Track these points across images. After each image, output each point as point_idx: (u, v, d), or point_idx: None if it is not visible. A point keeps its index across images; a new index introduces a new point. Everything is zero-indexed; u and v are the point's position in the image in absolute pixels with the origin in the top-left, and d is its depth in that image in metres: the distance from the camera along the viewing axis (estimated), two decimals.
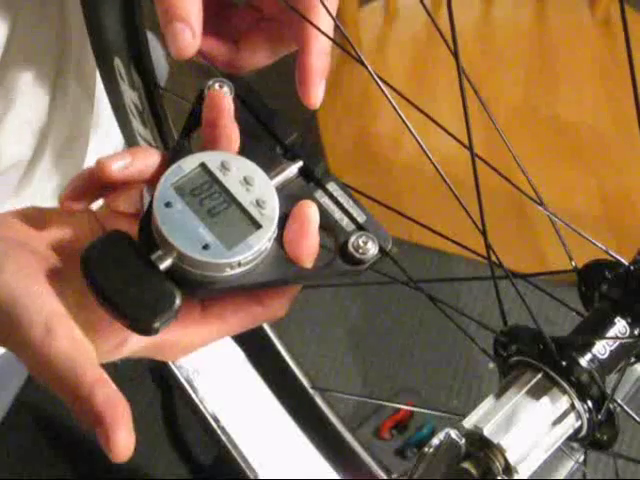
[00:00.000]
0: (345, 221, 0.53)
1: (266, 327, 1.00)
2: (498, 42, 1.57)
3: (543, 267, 1.36)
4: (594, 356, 0.52)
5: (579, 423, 0.52)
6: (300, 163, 0.53)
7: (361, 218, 0.53)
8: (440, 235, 0.58)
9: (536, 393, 0.52)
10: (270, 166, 0.53)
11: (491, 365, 1.31)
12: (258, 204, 0.50)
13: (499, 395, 0.52)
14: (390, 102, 0.54)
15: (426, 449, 0.52)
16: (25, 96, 0.78)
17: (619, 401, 0.52)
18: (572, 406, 0.52)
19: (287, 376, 1.01)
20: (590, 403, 0.51)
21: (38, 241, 0.52)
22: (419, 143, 0.54)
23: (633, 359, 0.55)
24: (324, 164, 0.54)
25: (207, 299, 0.53)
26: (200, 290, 0.50)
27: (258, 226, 0.50)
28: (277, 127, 0.54)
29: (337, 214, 0.53)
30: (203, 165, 0.51)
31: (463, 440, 0.52)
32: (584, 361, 0.51)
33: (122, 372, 0.62)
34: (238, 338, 1.00)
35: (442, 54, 0.52)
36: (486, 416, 0.52)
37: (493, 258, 0.54)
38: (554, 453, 0.53)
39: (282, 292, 0.53)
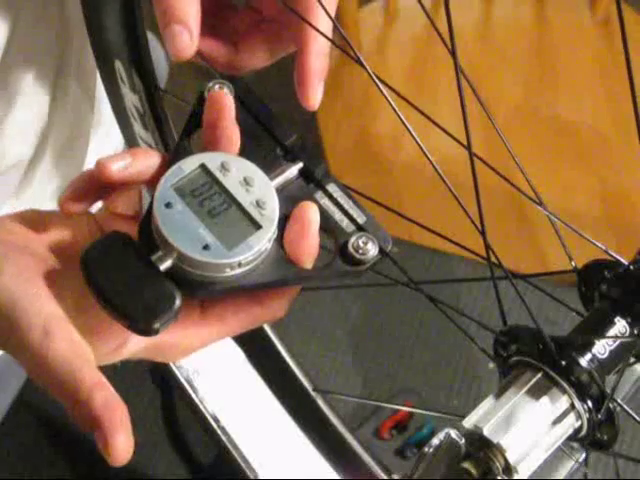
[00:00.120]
0: (345, 222, 0.53)
1: (266, 327, 1.00)
2: (498, 42, 1.57)
3: (543, 267, 1.36)
4: (594, 356, 0.52)
5: (579, 423, 0.52)
6: (300, 164, 0.54)
7: (361, 219, 0.53)
8: (440, 235, 0.58)
9: (536, 393, 0.52)
10: (270, 167, 0.53)
11: (491, 365, 1.31)
12: (258, 205, 0.50)
13: (499, 395, 0.53)
14: (389, 102, 0.54)
15: (426, 449, 0.52)
16: (26, 96, 0.78)
17: (619, 401, 0.52)
18: (572, 406, 0.52)
19: (287, 376, 1.01)
20: (590, 403, 0.51)
21: (37, 244, 0.52)
22: (418, 143, 0.54)
23: (633, 359, 0.55)
24: (324, 165, 0.54)
25: (207, 300, 0.53)
26: (200, 291, 0.50)
27: (258, 227, 0.50)
28: (277, 128, 0.55)
29: (337, 215, 0.53)
30: (203, 166, 0.51)
31: (463, 440, 0.52)
32: (584, 361, 0.51)
33: (122, 372, 0.62)
34: (238, 338, 1.00)
35: (442, 54, 0.52)
36: (486, 416, 0.52)
37: (493, 258, 0.54)
38: (554, 453, 0.53)
39: (282, 293, 0.53)
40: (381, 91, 0.54)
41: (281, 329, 1.01)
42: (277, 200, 0.51)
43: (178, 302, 0.49)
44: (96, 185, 0.52)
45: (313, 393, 1.00)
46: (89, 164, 0.90)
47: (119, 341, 0.51)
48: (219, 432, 1.02)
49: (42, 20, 0.77)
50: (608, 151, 1.48)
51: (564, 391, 0.52)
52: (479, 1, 1.57)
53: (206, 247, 0.49)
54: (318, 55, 0.57)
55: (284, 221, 0.51)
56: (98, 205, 0.54)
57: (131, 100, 0.77)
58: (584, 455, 0.60)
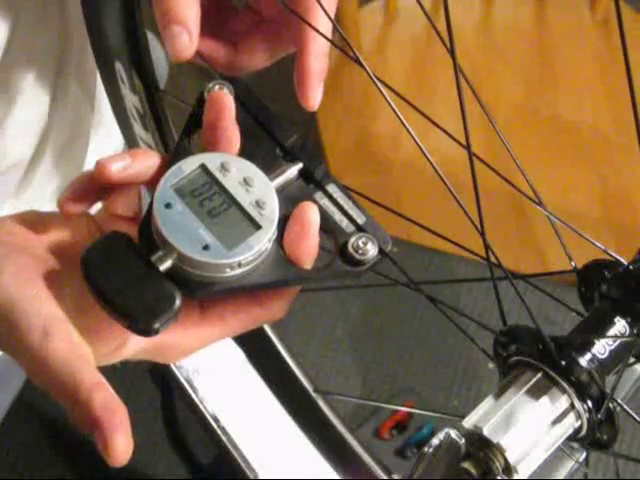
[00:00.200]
0: (345, 222, 0.53)
1: (266, 327, 1.00)
2: (498, 42, 1.57)
3: (543, 267, 1.36)
4: (594, 356, 0.52)
5: (579, 423, 0.52)
6: (300, 165, 0.54)
7: (361, 219, 0.53)
8: (439, 236, 0.58)
9: (536, 393, 0.52)
10: (270, 168, 0.53)
11: (491, 365, 1.31)
12: (258, 205, 0.50)
13: (499, 395, 0.53)
14: (388, 103, 0.54)
15: (426, 449, 0.52)
16: (26, 96, 0.78)
17: (619, 401, 0.52)
18: (572, 406, 0.52)
19: (287, 376, 1.01)
20: (590, 403, 0.51)
21: (37, 245, 0.52)
22: (417, 144, 0.54)
23: (633, 359, 0.55)
24: (324, 166, 0.54)
25: (207, 300, 0.53)
26: (200, 291, 0.50)
27: (258, 227, 0.50)
28: (277, 129, 0.55)
29: (337, 215, 0.53)
30: (203, 166, 0.51)
31: (463, 440, 0.52)
32: (584, 361, 0.51)
33: (122, 373, 0.62)
34: (238, 338, 1.00)
35: (442, 54, 0.52)
36: (486, 416, 0.52)
37: (492, 259, 0.54)
38: (554, 453, 0.53)
39: (282, 293, 0.53)
40: (381, 91, 0.54)
41: (281, 329, 1.01)
42: (277, 200, 0.51)
43: (178, 302, 0.49)
44: (96, 186, 0.52)
45: (314, 394, 1.00)
46: (89, 164, 0.90)
47: (119, 342, 0.51)
48: (219, 432, 1.02)
49: (42, 20, 0.77)
50: (608, 151, 1.48)
51: (564, 391, 0.52)
52: (479, 1, 1.57)
53: (206, 247, 0.49)
54: (318, 55, 0.57)
55: (284, 221, 0.51)
56: (98, 206, 0.54)
57: (131, 101, 0.77)
58: (584, 455, 0.60)
